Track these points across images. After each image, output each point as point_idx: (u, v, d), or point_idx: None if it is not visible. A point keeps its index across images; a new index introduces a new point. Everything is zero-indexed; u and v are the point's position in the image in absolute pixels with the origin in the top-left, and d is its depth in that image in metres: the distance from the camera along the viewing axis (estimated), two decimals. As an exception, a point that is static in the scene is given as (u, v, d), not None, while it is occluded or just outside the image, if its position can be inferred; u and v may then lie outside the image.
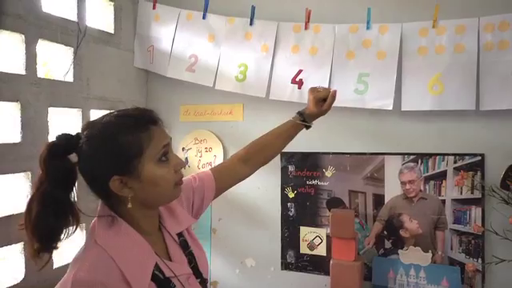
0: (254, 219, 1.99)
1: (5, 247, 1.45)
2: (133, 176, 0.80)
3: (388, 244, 1.72)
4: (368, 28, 1.69)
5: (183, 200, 1.02)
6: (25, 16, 1.52)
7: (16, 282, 1.47)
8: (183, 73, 1.98)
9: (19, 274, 1.49)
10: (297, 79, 1.79)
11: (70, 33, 1.73)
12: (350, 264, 1.60)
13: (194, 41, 1.97)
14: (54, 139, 0.82)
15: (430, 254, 1.64)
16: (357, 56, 1.71)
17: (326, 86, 1.72)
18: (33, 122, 1.54)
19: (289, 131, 1.24)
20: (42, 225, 0.76)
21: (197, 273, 0.93)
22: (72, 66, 1.75)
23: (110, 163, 0.79)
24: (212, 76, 1.92)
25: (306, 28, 1.79)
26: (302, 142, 1.86)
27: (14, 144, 1.48)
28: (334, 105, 1.69)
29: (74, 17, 1.76)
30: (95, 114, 1.87)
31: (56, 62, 1.73)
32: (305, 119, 1.24)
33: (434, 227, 1.65)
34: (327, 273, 1.73)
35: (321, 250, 1.84)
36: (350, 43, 1.72)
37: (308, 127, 1.26)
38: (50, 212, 0.77)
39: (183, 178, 0.97)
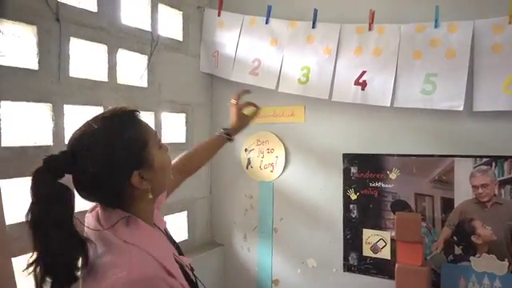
0: (316, 220, 2.00)
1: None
2: (147, 166, 0.82)
3: (458, 250, 1.65)
4: (436, 27, 1.64)
5: None
6: (107, 28, 1.68)
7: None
8: (247, 76, 2.05)
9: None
10: (360, 80, 1.78)
11: (145, 42, 1.87)
12: (417, 269, 1.56)
13: (257, 45, 2.03)
14: (42, 164, 0.74)
15: (506, 263, 1.55)
16: (424, 56, 1.66)
17: (391, 86, 1.70)
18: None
19: (214, 144, 1.42)
20: (55, 261, 0.71)
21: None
22: (146, 73, 1.90)
23: (125, 161, 0.78)
24: (275, 79, 1.97)
25: (369, 29, 1.77)
26: (364, 144, 1.87)
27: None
28: (399, 106, 1.69)
29: (148, 27, 1.91)
30: (166, 117, 2.00)
31: (131, 68, 1.88)
32: (228, 132, 1.42)
33: (511, 234, 1.56)
34: (391, 277, 1.70)
35: (385, 254, 1.81)
36: (416, 43, 1.68)
37: (230, 140, 1.44)
38: (57, 244, 0.70)
39: None
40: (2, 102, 1.30)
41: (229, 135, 1.42)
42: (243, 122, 1.47)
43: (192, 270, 0.97)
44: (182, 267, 0.87)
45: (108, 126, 0.79)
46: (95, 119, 0.82)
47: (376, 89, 1.74)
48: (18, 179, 1.31)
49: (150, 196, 0.83)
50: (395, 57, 1.71)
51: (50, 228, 0.70)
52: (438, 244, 1.69)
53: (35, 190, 0.72)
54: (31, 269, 0.70)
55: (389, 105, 1.71)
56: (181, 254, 0.97)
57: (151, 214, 0.89)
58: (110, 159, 0.77)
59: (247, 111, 1.49)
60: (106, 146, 0.77)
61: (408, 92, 1.69)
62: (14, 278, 1.19)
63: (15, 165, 1.32)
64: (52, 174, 0.74)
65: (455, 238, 1.67)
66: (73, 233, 0.74)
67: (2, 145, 1.29)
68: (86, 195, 0.81)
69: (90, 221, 0.85)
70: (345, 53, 1.83)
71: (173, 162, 1.22)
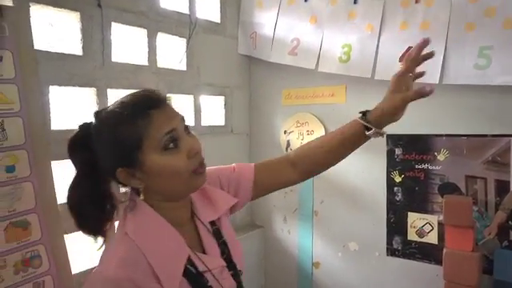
0: (357, 203, 1.95)
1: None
2: (137, 168, 0.73)
3: (513, 236, 1.55)
4: (492, -5, 1.51)
5: (223, 184, 0.94)
6: (147, 12, 1.69)
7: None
8: (285, 56, 2.00)
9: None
10: (405, 57, 1.68)
11: (183, 25, 1.88)
12: (468, 255, 1.48)
13: (296, 24, 1.97)
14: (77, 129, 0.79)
15: None
16: (477, 27, 1.54)
17: (440, 62, 1.59)
18: (155, 108, 1.72)
19: (345, 134, 0.94)
20: (83, 216, 0.76)
21: (229, 264, 0.84)
22: (185, 56, 1.90)
23: (112, 156, 0.74)
24: (314, 58, 1.91)
25: (416, 1, 1.66)
26: (410, 124, 1.77)
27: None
28: (450, 83, 1.59)
29: (186, 10, 1.90)
30: (205, 100, 2.01)
31: (170, 52, 1.89)
32: (368, 117, 0.90)
33: None
34: (438, 262, 1.63)
35: (431, 238, 1.73)
36: (468, 14, 1.56)
37: (370, 132, 0.90)
38: (85, 203, 0.75)
39: (224, 166, 0.96)
40: (51, 87, 1.35)
41: (368, 122, 0.89)
42: (398, 100, 0.87)
43: (237, 274, 0.85)
44: (200, 274, 0.76)
45: (111, 115, 0.75)
46: (116, 101, 0.77)
47: (423, 65, 1.64)
48: (68, 161, 1.37)
49: (142, 197, 0.78)
50: (445, 30, 1.60)
51: (80, 184, 0.77)
52: (491, 229, 1.60)
53: (69, 154, 0.79)
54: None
55: (437, 82, 1.61)
56: (224, 252, 0.84)
57: (171, 211, 0.79)
58: (100, 148, 0.75)
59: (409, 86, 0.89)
60: (100, 135, 0.75)
61: (459, 67, 1.57)
62: (66, 253, 1.26)
63: (65, 147, 1.37)
64: (80, 140, 0.78)
65: (510, 222, 1.56)
66: (102, 193, 0.77)
67: (52, 128, 1.35)
68: None
69: None
70: (389, 28, 1.73)
71: (289, 152, 1.02)
